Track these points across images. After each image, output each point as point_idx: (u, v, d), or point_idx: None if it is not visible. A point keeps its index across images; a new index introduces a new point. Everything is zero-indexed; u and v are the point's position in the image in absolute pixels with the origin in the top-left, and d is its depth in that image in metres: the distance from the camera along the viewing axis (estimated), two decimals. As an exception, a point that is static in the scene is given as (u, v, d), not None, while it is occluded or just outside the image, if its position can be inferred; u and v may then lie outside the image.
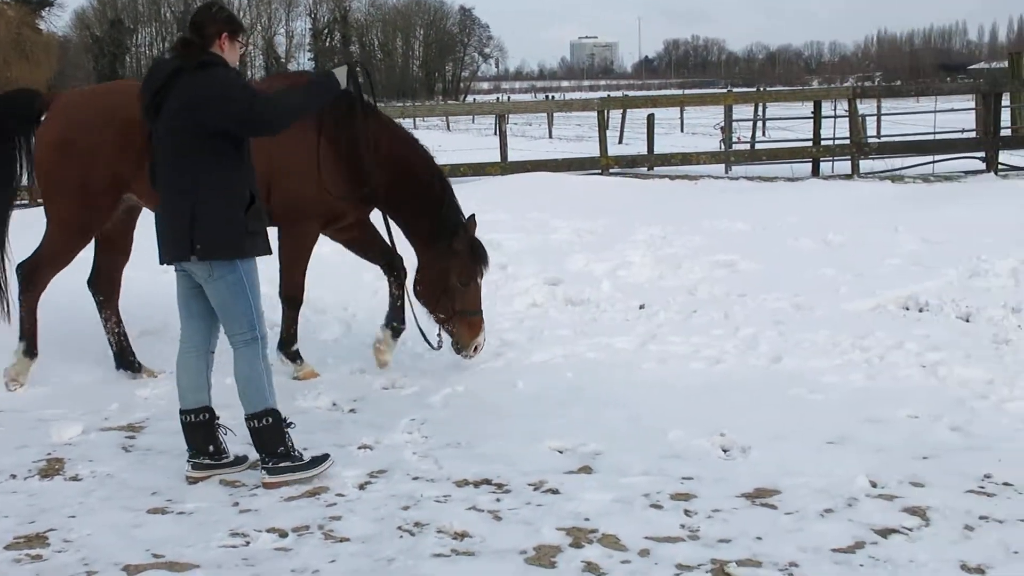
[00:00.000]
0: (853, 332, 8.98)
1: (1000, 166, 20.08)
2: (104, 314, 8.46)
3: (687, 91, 69.63)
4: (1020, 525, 5.38)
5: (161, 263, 6.16)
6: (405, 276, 8.46)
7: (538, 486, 5.99)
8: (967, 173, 19.75)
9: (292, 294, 8.18)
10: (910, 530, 5.36)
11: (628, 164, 19.27)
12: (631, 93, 70.03)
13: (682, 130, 41.47)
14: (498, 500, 5.81)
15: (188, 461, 6.21)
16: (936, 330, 9.05)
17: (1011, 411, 7.12)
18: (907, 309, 9.89)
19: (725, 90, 50.90)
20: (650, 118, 22.63)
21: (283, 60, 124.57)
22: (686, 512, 5.61)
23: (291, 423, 6.21)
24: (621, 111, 35.23)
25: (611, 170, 18.48)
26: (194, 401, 6.21)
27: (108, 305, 8.46)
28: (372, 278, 10.20)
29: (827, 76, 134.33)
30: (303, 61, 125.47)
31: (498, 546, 5.22)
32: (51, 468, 6.36)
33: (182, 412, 6.23)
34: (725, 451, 6.56)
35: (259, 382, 6.05)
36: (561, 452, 6.58)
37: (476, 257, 8.06)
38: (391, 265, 8.45)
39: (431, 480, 6.11)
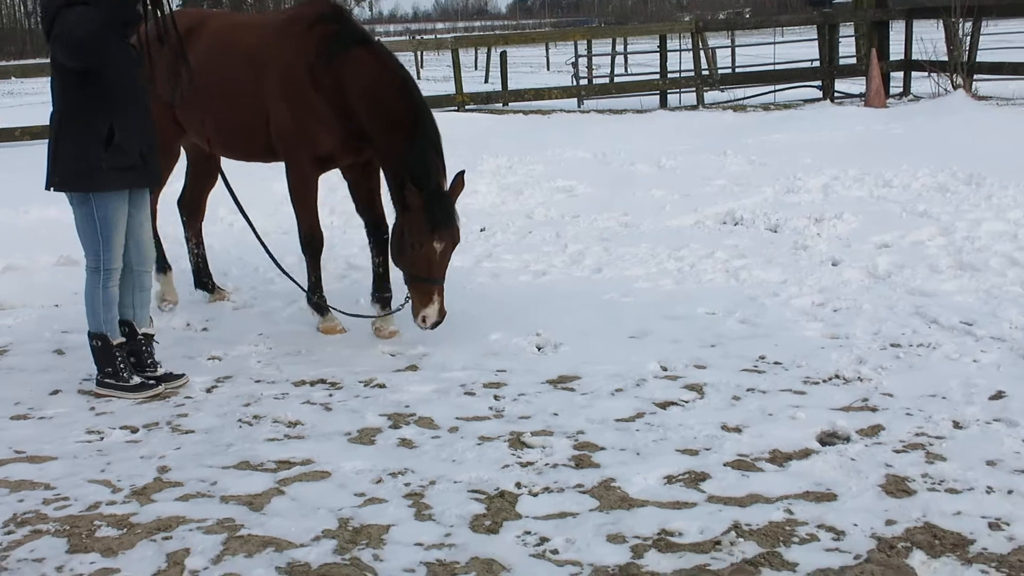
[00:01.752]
0: (670, 245, 9.83)
1: (836, 94, 21.20)
2: (187, 234, 8.95)
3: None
4: (780, 395, 6.24)
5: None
6: (387, 241, 7.72)
7: (368, 383, 6.72)
8: (805, 102, 20.81)
9: (305, 239, 7.82)
10: (686, 402, 6.19)
11: (483, 101, 19.96)
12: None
13: (548, 69, 42.16)
14: (330, 395, 6.53)
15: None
16: (744, 240, 9.93)
17: (795, 306, 8.00)
18: (724, 223, 10.80)
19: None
20: (503, 55, 23.30)
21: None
22: (495, 397, 6.38)
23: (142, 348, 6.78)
24: (486, 51, 35.77)
25: (467, 107, 19.13)
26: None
27: (191, 226, 8.93)
28: (225, 213, 10.80)
29: (698, 12, 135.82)
30: None
31: (326, 430, 5.94)
32: (-81, 387, 6.89)
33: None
34: (539, 348, 7.33)
35: (95, 307, 6.47)
36: (393, 355, 7.32)
37: (430, 219, 6.98)
38: (375, 226, 7.92)
39: (272, 382, 6.81)
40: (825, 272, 8.79)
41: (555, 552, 4.49)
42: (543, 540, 4.58)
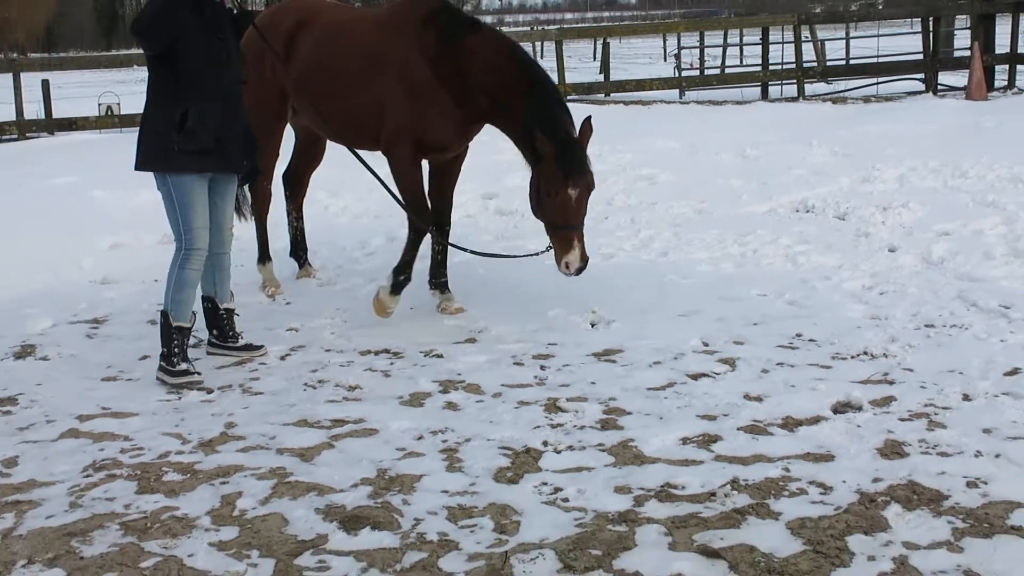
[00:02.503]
0: (739, 231, 10.20)
1: (940, 87, 21.17)
2: (288, 207, 9.57)
3: (676, 19, 69.87)
4: (806, 368, 6.63)
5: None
6: (448, 230, 8.38)
7: (428, 353, 7.27)
8: (908, 94, 20.84)
9: (416, 222, 7.98)
10: (717, 375, 6.62)
11: (585, 91, 20.44)
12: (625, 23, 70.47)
13: (665, 60, 42.37)
14: (391, 363, 7.10)
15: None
16: (811, 227, 10.26)
17: (845, 289, 8.34)
18: (796, 211, 11.11)
19: (710, 18, 51.43)
20: (605, 46, 23.69)
21: None
22: (541, 367, 6.89)
23: (196, 341, 7.34)
24: (602, 41, 36.13)
25: (569, 97, 19.56)
26: (203, 290, 7.28)
27: (293, 201, 9.56)
28: (323, 196, 11.50)
29: (830, 3, 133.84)
30: None
31: (382, 394, 6.50)
32: (24, 351, 7.63)
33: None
34: (592, 325, 7.81)
35: (169, 284, 6.85)
36: (457, 328, 7.85)
37: (563, 166, 7.23)
38: (441, 214, 8.33)
39: (340, 351, 7.40)
40: (881, 258, 9.10)
41: (565, 500, 4.98)
42: (557, 490, 5.08)
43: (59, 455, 5.70)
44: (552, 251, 7.53)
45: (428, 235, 8.09)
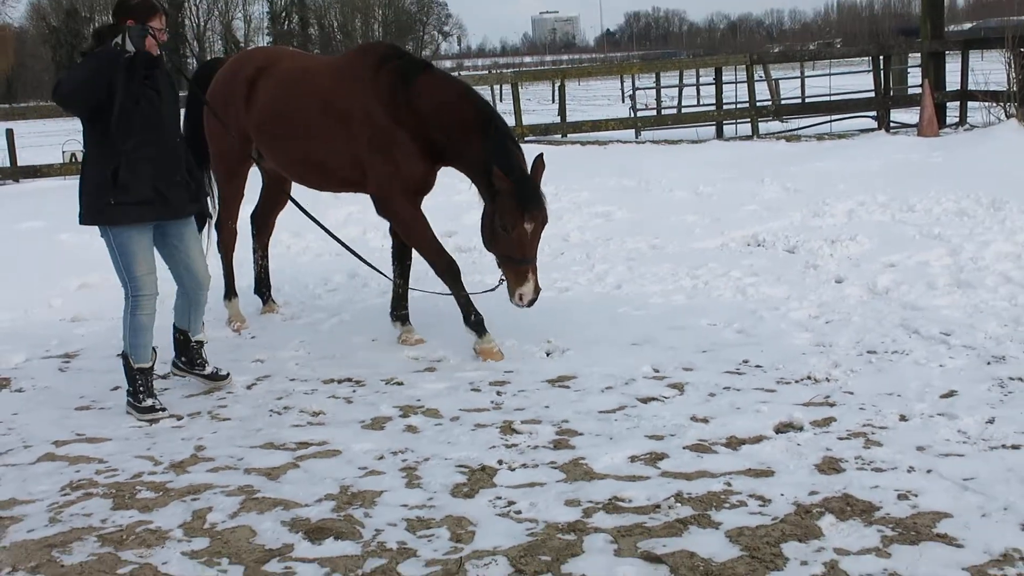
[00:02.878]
0: (691, 264, 10.56)
1: (892, 123, 21.70)
2: (254, 245, 9.87)
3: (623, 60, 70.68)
4: (751, 392, 6.95)
5: None
6: (409, 267, 8.79)
7: (389, 380, 7.56)
8: (861, 131, 21.31)
9: (441, 268, 8.35)
10: (666, 398, 6.93)
11: (542, 132, 20.82)
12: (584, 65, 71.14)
13: (623, 101, 42.94)
14: (354, 391, 7.38)
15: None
16: (761, 260, 10.62)
17: (792, 318, 8.68)
18: (748, 245, 11.47)
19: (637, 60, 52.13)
20: (561, 88, 24.17)
21: (242, 44, 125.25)
22: (497, 393, 7.19)
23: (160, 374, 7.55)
24: (558, 83, 36.70)
25: (526, 139, 19.96)
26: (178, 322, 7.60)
27: (259, 240, 9.87)
28: (286, 236, 11.78)
29: (788, 43, 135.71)
30: (262, 42, 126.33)
31: (344, 419, 6.78)
32: (0, 384, 7.87)
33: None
34: (548, 354, 8.11)
35: (125, 330, 7.03)
36: (416, 359, 8.15)
37: (520, 201, 7.49)
38: (402, 249, 8.72)
39: (304, 380, 7.68)
40: (828, 288, 9.45)
41: (518, 512, 5.27)
42: (510, 503, 5.36)
43: (37, 476, 5.98)
44: (505, 284, 7.81)
45: (394, 269, 8.64)
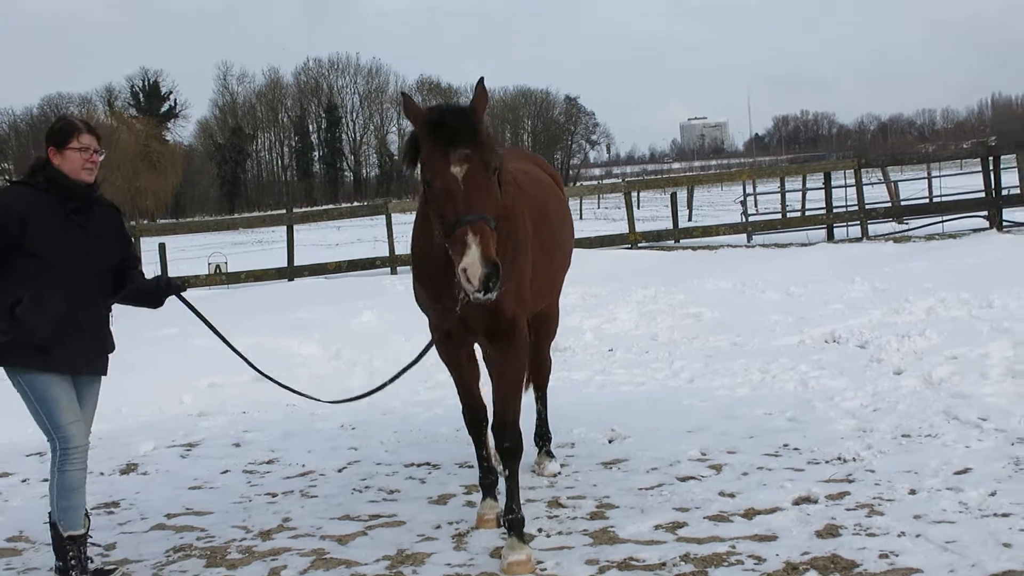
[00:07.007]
0: (764, 360, 11.29)
1: (1005, 223, 22.01)
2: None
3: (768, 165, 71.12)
4: (781, 471, 7.67)
5: None
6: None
7: (462, 464, 8.47)
8: (974, 231, 21.70)
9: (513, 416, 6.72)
10: (704, 477, 7.70)
11: (655, 238, 21.71)
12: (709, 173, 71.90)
13: (756, 206, 43.60)
14: (429, 473, 8.32)
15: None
16: (831, 355, 11.30)
17: (842, 407, 9.35)
18: (825, 342, 12.14)
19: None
20: (673, 196, 25.07)
21: (395, 156, 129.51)
22: (554, 474, 8.03)
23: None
24: (687, 190, 37.71)
25: (639, 244, 20.89)
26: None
27: None
28: (399, 338, 12.86)
29: (940, 143, 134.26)
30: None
31: (415, 495, 7.73)
32: (128, 468, 9.06)
33: None
34: (610, 440, 8.93)
35: (52, 492, 6.18)
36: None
37: (437, 136, 5.63)
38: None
39: (388, 464, 8.64)
40: (885, 380, 10.09)
41: (544, 569, 6.12)
42: (539, 563, 6.21)
43: (148, 541, 7.07)
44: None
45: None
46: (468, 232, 5.35)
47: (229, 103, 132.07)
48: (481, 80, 5.87)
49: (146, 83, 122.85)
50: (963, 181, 31.25)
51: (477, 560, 6.34)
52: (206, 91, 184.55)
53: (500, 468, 6.92)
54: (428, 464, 8.58)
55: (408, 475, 8.31)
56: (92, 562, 6.44)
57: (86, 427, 6.22)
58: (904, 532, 6.31)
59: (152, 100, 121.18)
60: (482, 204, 5.50)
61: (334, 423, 10.24)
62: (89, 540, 6.38)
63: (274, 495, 7.99)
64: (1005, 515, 6.46)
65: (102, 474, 8.87)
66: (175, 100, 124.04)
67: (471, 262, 5.29)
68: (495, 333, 6.49)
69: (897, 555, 5.97)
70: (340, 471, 8.60)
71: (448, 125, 5.59)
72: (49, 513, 6.23)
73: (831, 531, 6.41)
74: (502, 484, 6.88)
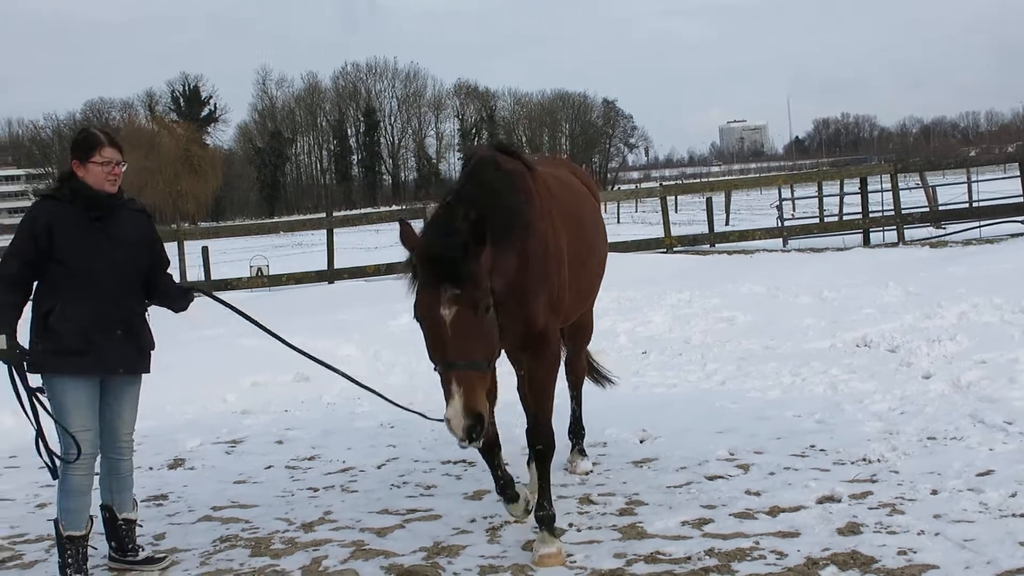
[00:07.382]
0: (795, 364, 11.50)
1: (1046, 227, 22.06)
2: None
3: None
4: (807, 471, 7.88)
5: None
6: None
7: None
8: (1012, 236, 21.72)
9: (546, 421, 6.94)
10: (731, 476, 7.93)
11: (690, 243, 21.90)
12: (728, 178, 71.82)
13: (794, 210, 43.61)
14: (465, 469, 8.60)
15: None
16: (862, 359, 11.49)
17: (870, 410, 9.54)
18: (857, 346, 12.32)
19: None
20: (708, 201, 25.21)
21: (433, 160, 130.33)
22: (586, 472, 8.28)
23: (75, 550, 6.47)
24: (724, 194, 37.80)
25: (675, 248, 21.09)
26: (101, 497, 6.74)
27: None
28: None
29: (984, 146, 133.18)
30: (452, 160, 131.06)
31: (451, 491, 8.00)
32: (176, 464, 9.41)
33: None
34: (641, 441, 9.17)
35: (57, 491, 6.45)
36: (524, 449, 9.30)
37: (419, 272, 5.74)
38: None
39: (426, 461, 8.92)
40: (914, 384, 10.27)
41: (573, 561, 6.37)
42: (569, 555, 6.46)
43: (196, 532, 7.40)
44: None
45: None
46: (453, 382, 5.39)
47: (268, 107, 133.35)
48: (482, 218, 5.58)
49: (186, 88, 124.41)
50: (1004, 186, 31.19)
51: (510, 552, 6.60)
52: (245, 95, 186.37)
53: (517, 476, 7.14)
54: (464, 461, 8.84)
55: (445, 472, 8.58)
56: (143, 550, 6.80)
57: (95, 437, 6.39)
58: (924, 530, 6.50)
59: (192, 105, 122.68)
60: (471, 350, 5.46)
61: (374, 422, 10.52)
62: (138, 528, 6.81)
63: (315, 490, 8.29)
64: None
65: (151, 468, 9.20)
66: (215, 104, 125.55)
67: (454, 414, 5.35)
68: (527, 343, 6.57)
69: (915, 552, 6.17)
70: (379, 467, 8.88)
71: (439, 263, 5.48)
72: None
73: (852, 529, 6.62)
74: (524, 478, 7.39)
